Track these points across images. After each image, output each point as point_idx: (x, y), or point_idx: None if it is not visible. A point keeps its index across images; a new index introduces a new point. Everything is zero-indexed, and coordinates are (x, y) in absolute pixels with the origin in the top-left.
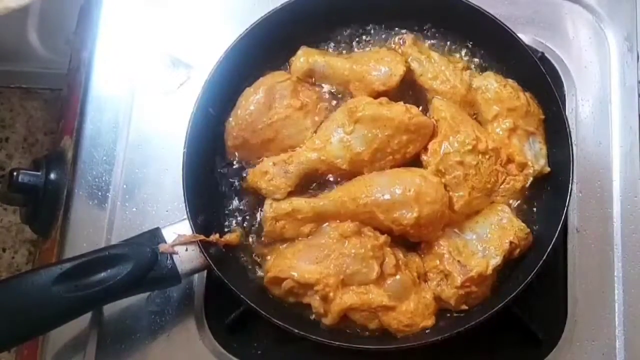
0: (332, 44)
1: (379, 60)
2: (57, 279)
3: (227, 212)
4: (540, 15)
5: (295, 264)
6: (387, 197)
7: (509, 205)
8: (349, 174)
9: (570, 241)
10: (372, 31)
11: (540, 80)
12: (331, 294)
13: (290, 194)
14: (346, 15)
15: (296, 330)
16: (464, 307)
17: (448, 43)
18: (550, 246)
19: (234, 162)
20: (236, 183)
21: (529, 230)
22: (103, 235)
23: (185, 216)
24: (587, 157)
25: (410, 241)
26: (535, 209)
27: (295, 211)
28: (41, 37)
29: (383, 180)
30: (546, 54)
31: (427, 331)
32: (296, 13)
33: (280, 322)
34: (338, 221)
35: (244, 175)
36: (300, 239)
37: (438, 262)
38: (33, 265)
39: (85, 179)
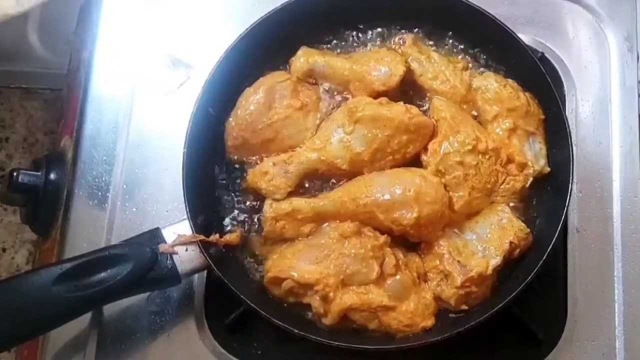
0: (332, 44)
1: (379, 61)
2: (57, 279)
3: (227, 212)
4: (540, 15)
5: (295, 264)
6: (387, 197)
7: (509, 205)
8: (349, 174)
9: (570, 241)
10: (372, 31)
11: (540, 80)
12: (331, 294)
13: (290, 194)
14: (346, 15)
15: (296, 330)
16: (464, 307)
17: (448, 43)
18: (550, 246)
19: (234, 162)
20: (236, 183)
21: (529, 230)
22: (103, 235)
23: (185, 216)
24: (587, 157)
25: (410, 241)
26: (535, 209)
27: (295, 211)
28: (41, 37)
29: (383, 180)
30: (546, 54)
31: (427, 331)
32: (296, 13)
33: (280, 322)
34: (338, 221)
35: (244, 175)
36: (300, 239)
37: (438, 262)
38: (33, 265)
39: (85, 179)
